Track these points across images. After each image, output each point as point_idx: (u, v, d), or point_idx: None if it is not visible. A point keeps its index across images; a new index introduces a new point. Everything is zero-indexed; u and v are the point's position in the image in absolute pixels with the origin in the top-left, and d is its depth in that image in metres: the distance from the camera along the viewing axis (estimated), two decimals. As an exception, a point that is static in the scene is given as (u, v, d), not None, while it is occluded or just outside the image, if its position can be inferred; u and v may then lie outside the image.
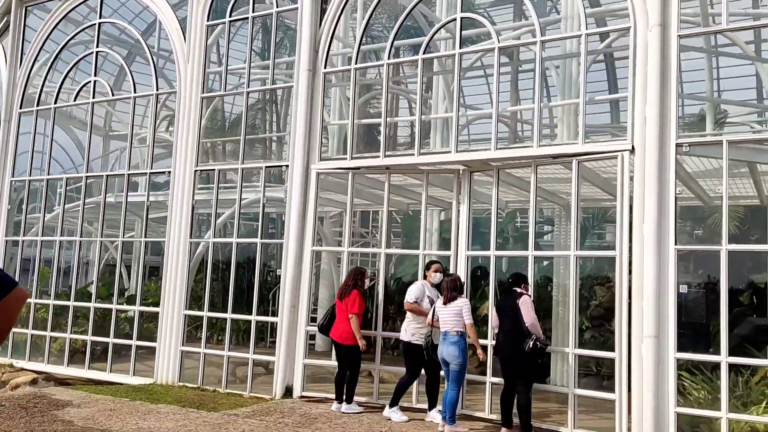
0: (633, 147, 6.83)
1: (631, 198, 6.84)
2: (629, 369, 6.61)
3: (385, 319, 9.17)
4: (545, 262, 11.36)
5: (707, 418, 6.55)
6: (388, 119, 9.14)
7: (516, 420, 6.85)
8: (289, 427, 6.97)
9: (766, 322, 8.25)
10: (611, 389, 6.74)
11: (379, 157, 8.36)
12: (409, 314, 7.61)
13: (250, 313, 9.20)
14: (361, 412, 7.82)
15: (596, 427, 7.32)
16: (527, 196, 7.78)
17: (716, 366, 7.53)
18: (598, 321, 11.33)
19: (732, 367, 6.48)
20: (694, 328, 11.17)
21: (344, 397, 7.85)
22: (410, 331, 7.54)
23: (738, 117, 11.51)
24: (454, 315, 6.88)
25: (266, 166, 9.50)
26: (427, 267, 7.88)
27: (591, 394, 7.28)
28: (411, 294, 7.63)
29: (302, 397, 8.56)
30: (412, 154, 8.27)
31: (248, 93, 9.95)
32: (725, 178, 6.46)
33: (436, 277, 7.66)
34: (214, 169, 9.95)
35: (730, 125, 11.43)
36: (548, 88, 13.78)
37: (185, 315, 9.64)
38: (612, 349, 6.77)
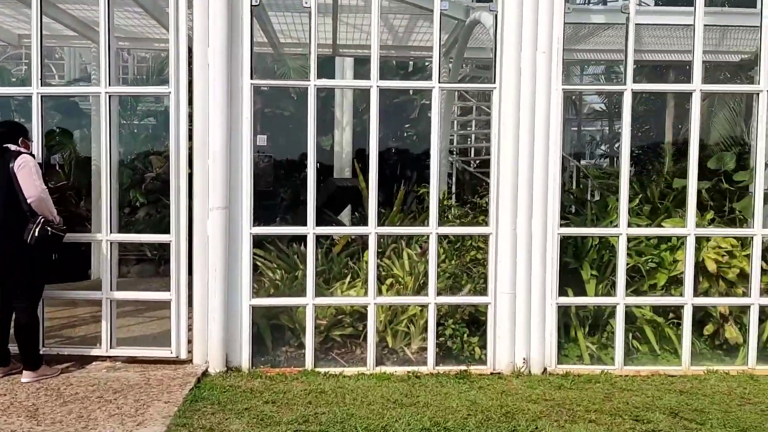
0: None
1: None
2: (190, 254, 4.76)
3: None
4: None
5: (288, 307, 5.23)
6: None
7: (16, 350, 4.43)
8: None
9: (343, 183, 7.37)
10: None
11: None
12: None
13: None
14: None
15: (145, 337, 5.39)
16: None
17: (293, 239, 6.31)
18: (155, 196, 9.25)
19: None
20: (263, 196, 10.08)
21: None
22: None
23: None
24: None
25: None
26: None
27: (137, 297, 5.26)
28: None
29: None
30: None
31: None
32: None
33: None
34: None
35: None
36: None
37: None
38: (167, 231, 4.78)
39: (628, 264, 5.12)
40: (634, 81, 4.90)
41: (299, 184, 11.13)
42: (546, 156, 4.82)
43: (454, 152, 10.76)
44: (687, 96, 5.19)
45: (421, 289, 5.57)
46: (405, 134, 12.20)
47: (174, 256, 4.74)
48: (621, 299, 4.94)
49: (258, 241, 5.92)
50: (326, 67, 9.82)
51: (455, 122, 10.97)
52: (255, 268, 5.24)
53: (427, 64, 12.02)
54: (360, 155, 9.27)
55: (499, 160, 4.85)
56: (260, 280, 5.93)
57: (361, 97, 11.20)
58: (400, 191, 6.66)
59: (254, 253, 5.86)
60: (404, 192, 6.55)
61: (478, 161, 10.70)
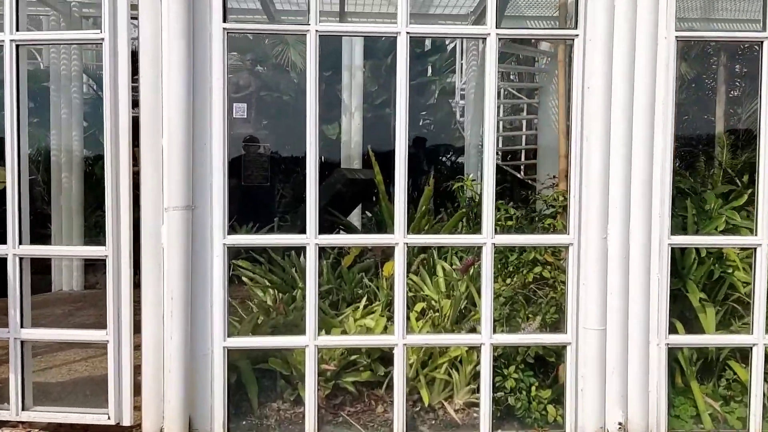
0: None
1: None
2: (138, 273, 3.30)
3: None
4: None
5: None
6: None
7: None
8: None
9: (354, 175, 5.85)
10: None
11: None
12: None
13: None
14: None
15: (79, 387, 3.99)
16: None
17: (290, 248, 4.87)
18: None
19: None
20: (255, 193, 8.62)
21: None
22: None
23: None
24: None
25: None
26: None
27: (59, 336, 3.79)
28: None
29: None
30: None
31: None
32: None
33: None
34: None
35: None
36: None
37: None
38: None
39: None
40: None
41: (301, 180, 9.67)
42: (649, 134, 3.33)
43: (499, 154, 9.29)
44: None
45: (462, 317, 4.09)
46: (422, 122, 10.70)
47: (112, 276, 3.26)
48: (761, 337, 3.44)
49: (238, 252, 4.51)
50: (331, 44, 8.37)
51: (500, 123, 9.54)
52: (233, 280, 3.82)
53: (448, 42, 10.52)
54: (375, 143, 7.79)
55: (581, 140, 3.36)
56: (245, 304, 4.48)
57: (372, 78, 9.71)
58: (427, 187, 5.17)
59: (238, 266, 4.41)
60: (432, 188, 5.07)
61: (524, 165, 9.28)
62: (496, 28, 3.33)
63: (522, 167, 9.69)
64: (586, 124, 3.34)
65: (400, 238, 3.36)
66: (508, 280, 3.98)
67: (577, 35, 3.34)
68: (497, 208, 5.77)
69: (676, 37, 3.31)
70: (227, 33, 3.31)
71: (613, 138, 3.32)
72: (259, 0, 6.78)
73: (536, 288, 3.84)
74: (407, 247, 3.39)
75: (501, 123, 10.10)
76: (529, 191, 7.57)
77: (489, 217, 3.36)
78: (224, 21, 3.30)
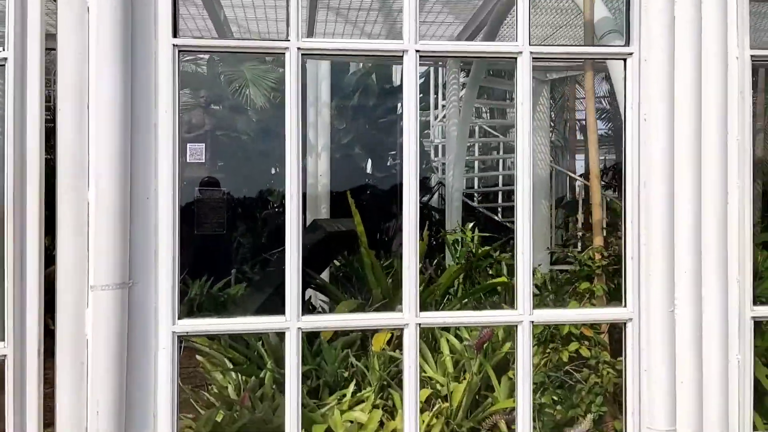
0: None
1: None
2: (50, 376, 2.39)
3: None
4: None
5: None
6: None
7: None
8: None
9: (333, 227, 4.98)
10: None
11: None
12: None
13: None
14: None
15: None
16: None
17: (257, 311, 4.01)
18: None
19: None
20: (208, 243, 7.69)
21: None
22: None
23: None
24: None
25: None
26: None
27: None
28: None
29: None
30: None
31: None
32: None
33: None
34: None
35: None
36: None
37: None
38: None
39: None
40: None
41: (260, 229, 8.78)
42: (721, 177, 2.63)
43: (475, 196, 8.64)
44: None
45: (476, 405, 3.28)
46: (389, 163, 9.97)
47: (13, 381, 2.34)
48: None
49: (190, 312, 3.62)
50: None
51: (476, 162, 8.92)
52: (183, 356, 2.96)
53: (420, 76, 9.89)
54: (345, 186, 7.00)
55: (638, 186, 2.64)
56: (199, 392, 3.58)
57: (339, 116, 8.97)
58: (420, 241, 4.38)
59: (189, 339, 3.54)
60: (426, 242, 4.28)
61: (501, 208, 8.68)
62: (530, 45, 2.60)
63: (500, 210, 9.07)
64: (646, 157, 2.62)
65: (411, 317, 2.54)
66: (535, 359, 3.19)
67: (631, 54, 2.64)
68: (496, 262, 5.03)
69: (752, 56, 2.64)
70: (179, 51, 2.49)
71: (678, 183, 2.61)
72: (213, 23, 6.00)
73: (573, 370, 3.05)
74: (420, 328, 2.57)
75: (476, 163, 9.51)
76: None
77: (526, 288, 2.58)
78: (174, 36, 2.48)
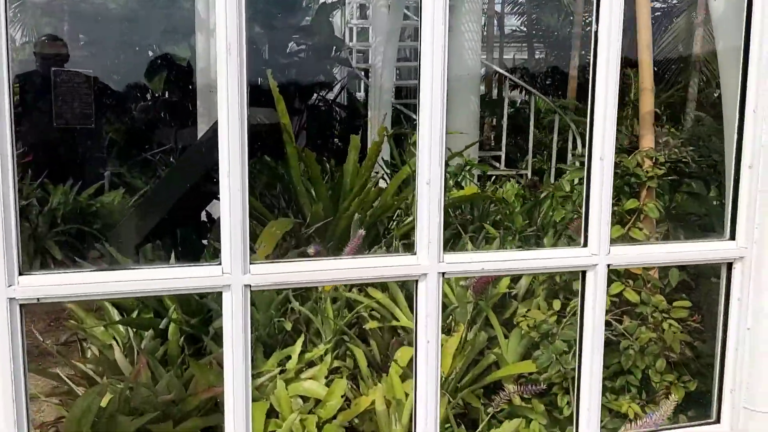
0: None
1: None
2: None
3: None
4: None
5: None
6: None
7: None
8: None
9: (254, 119, 3.75)
10: None
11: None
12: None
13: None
14: None
15: None
16: None
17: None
18: None
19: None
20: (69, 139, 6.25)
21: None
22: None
23: None
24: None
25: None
26: None
27: None
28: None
29: None
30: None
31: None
32: None
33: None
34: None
35: None
36: None
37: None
38: None
39: None
40: None
41: (141, 118, 7.33)
42: None
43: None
44: None
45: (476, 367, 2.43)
46: (294, 49, 8.55)
47: None
48: None
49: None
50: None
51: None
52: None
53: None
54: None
55: None
56: (67, 357, 2.46)
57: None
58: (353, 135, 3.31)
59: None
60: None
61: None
62: None
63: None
64: None
65: (430, 264, 1.55)
66: (556, 303, 2.32)
67: None
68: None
69: None
70: None
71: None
72: None
73: (613, 320, 2.21)
74: (442, 276, 1.59)
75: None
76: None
77: (604, 219, 1.65)
78: None
